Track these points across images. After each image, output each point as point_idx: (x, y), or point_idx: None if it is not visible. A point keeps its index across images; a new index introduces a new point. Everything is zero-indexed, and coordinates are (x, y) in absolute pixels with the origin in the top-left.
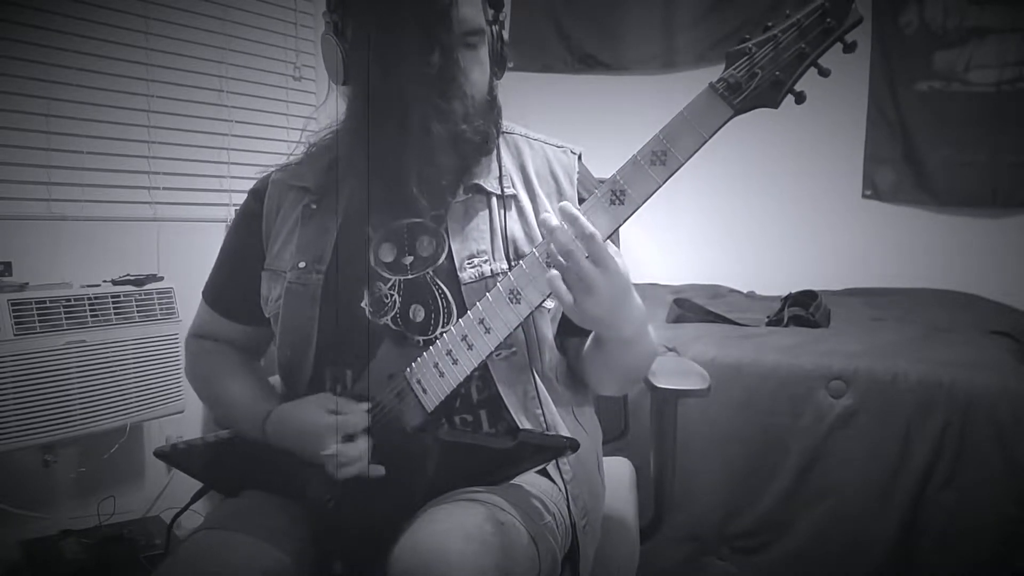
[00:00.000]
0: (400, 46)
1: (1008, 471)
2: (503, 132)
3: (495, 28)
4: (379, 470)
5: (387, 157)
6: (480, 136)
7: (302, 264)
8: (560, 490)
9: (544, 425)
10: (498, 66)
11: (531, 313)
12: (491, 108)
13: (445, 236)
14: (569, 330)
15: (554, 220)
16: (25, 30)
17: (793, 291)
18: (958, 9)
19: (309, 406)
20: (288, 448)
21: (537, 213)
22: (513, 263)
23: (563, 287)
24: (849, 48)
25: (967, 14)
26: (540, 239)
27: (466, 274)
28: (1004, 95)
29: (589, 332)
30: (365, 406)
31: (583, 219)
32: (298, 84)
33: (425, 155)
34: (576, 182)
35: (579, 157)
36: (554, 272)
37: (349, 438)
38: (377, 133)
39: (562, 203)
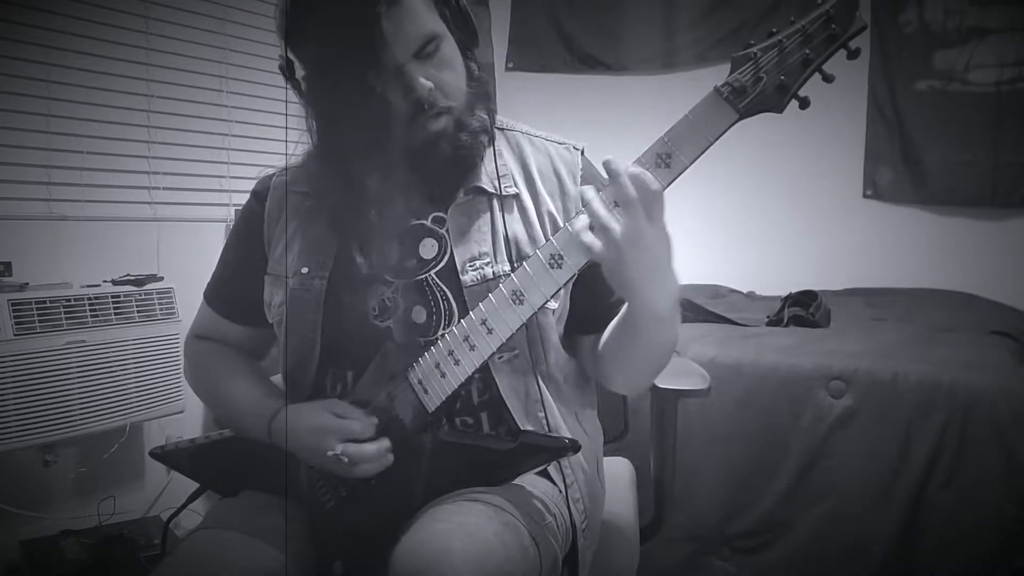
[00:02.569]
0: (349, 85)
1: (1008, 471)
2: (504, 129)
3: (448, 11)
4: (388, 459)
5: (374, 181)
6: (474, 137)
7: (305, 269)
8: (560, 492)
9: (547, 428)
10: (470, 43)
11: (534, 314)
12: (477, 97)
13: (447, 238)
14: (582, 328)
15: (620, 164)
16: (25, 30)
17: (793, 291)
18: (958, 9)
19: (316, 408)
20: (292, 449)
21: (540, 212)
22: (515, 265)
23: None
24: (853, 54)
25: (967, 14)
26: (542, 239)
27: (468, 277)
28: (1004, 95)
29: (603, 328)
30: (374, 420)
31: (649, 175)
32: None
33: (419, 173)
34: (579, 179)
35: (582, 152)
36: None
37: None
38: (358, 159)
39: (631, 165)
